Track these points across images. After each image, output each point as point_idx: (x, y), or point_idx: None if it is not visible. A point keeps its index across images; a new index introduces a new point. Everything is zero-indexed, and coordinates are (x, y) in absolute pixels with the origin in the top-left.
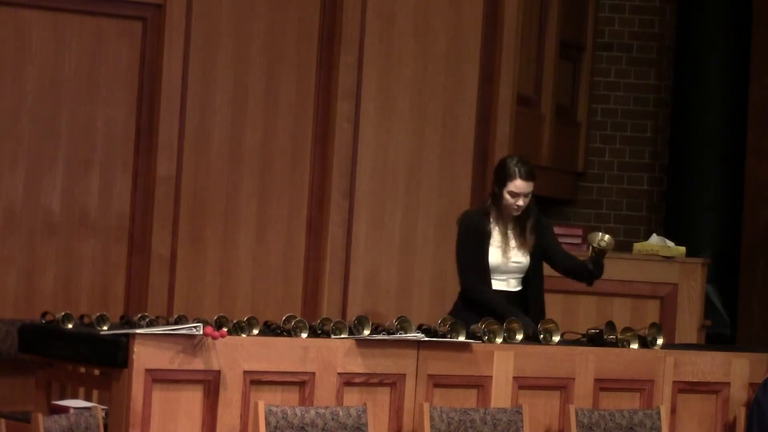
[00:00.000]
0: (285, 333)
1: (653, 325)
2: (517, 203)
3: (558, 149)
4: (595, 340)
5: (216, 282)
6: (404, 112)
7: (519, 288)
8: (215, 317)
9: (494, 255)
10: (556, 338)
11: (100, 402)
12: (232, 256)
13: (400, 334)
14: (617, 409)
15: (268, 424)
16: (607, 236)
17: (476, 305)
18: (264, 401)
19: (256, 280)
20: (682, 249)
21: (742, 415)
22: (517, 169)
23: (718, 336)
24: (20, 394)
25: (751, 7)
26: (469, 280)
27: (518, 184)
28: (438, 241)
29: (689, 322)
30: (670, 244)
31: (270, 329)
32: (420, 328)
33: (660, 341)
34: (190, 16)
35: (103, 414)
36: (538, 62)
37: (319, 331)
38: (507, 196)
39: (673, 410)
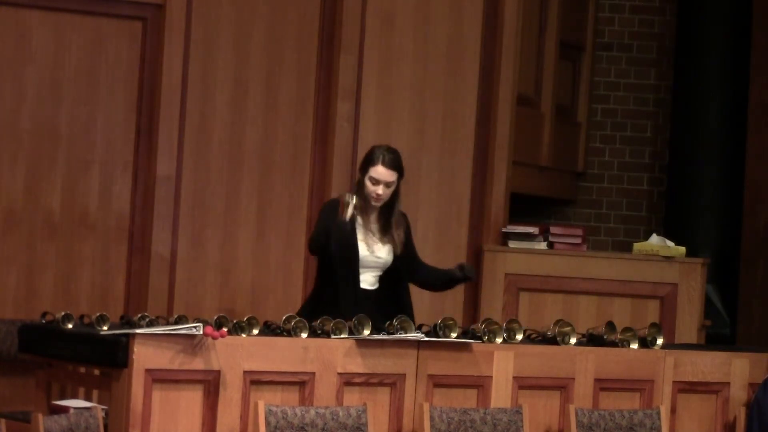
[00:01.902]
0: (285, 333)
1: (653, 325)
2: (377, 191)
3: (558, 149)
4: (595, 340)
5: (216, 282)
6: (404, 112)
7: (376, 286)
8: (215, 317)
9: (359, 247)
10: (573, 340)
11: (100, 402)
12: (232, 256)
13: (400, 334)
14: (617, 409)
15: (268, 424)
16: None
17: (318, 249)
18: (264, 401)
19: (256, 280)
20: (682, 249)
21: (742, 415)
22: (381, 156)
23: (718, 336)
24: (20, 394)
25: (751, 7)
26: (310, 239)
27: (379, 171)
28: (438, 241)
29: (689, 322)
30: (670, 244)
31: (270, 329)
32: (419, 328)
33: (660, 341)
34: (190, 16)
35: (103, 414)
36: (538, 62)
37: (319, 331)
38: (368, 183)
39: (673, 410)
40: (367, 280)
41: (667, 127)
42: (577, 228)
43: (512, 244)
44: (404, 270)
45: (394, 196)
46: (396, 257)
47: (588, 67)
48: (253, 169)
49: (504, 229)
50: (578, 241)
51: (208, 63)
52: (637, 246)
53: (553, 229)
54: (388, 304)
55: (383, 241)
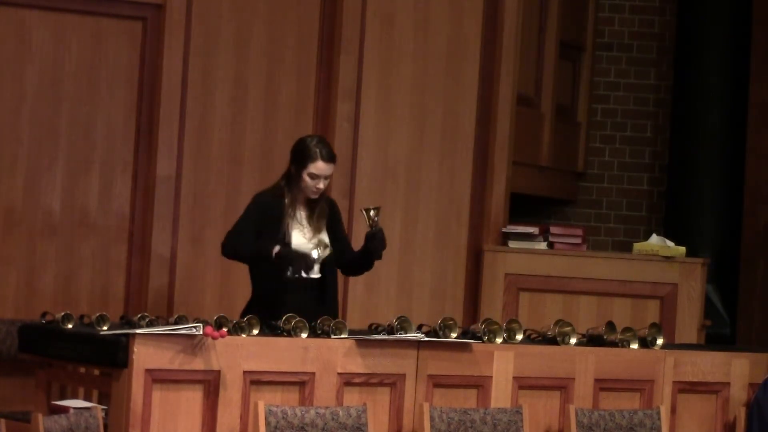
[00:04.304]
0: (285, 333)
1: (653, 325)
2: (317, 186)
3: (558, 149)
4: (595, 340)
5: (216, 282)
6: (404, 112)
7: (319, 275)
8: (215, 317)
9: (295, 239)
10: (573, 340)
11: (100, 402)
12: None
13: (400, 334)
14: (617, 409)
15: (268, 424)
16: (371, 208)
17: (233, 258)
18: (264, 401)
19: None
20: (682, 249)
21: (742, 415)
22: (318, 150)
23: (718, 336)
24: (20, 394)
25: (751, 7)
26: (229, 236)
27: (320, 166)
28: (438, 241)
29: (689, 322)
30: (670, 244)
31: (270, 329)
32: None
33: (660, 341)
34: (190, 16)
35: (103, 414)
36: (538, 62)
37: (319, 331)
38: (306, 178)
39: (673, 410)
40: (312, 270)
41: (667, 127)
42: (577, 228)
43: (512, 244)
44: (337, 256)
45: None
46: (332, 244)
47: (588, 67)
48: (253, 169)
49: (504, 229)
50: (578, 241)
51: (208, 63)
52: (637, 246)
53: (553, 229)
54: (327, 290)
55: (318, 229)
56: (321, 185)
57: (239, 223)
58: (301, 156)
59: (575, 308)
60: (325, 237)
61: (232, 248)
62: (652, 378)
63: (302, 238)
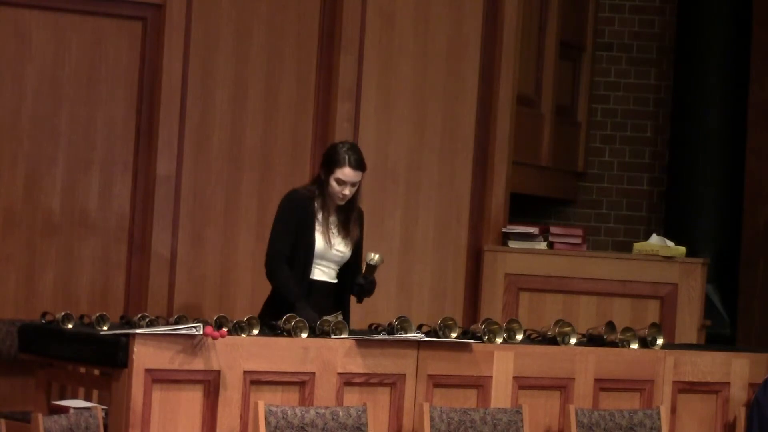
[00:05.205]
0: (285, 333)
1: (653, 325)
2: (343, 192)
3: (558, 149)
4: (595, 340)
5: (216, 282)
6: (404, 112)
7: (336, 281)
8: (215, 317)
9: (317, 241)
10: (573, 340)
11: (100, 402)
12: (232, 256)
13: (400, 334)
14: (617, 409)
15: (268, 424)
16: (377, 255)
17: (272, 283)
18: (264, 401)
19: (256, 280)
20: (682, 249)
21: (742, 415)
22: (346, 157)
23: (718, 336)
24: (20, 394)
25: (751, 7)
26: (273, 255)
27: (346, 173)
28: (438, 241)
29: (689, 322)
30: (670, 244)
31: (270, 329)
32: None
33: (660, 341)
34: (190, 16)
35: (103, 414)
36: (538, 62)
37: (319, 332)
38: (333, 183)
39: (673, 410)
40: (329, 274)
41: (667, 127)
42: (577, 228)
43: (512, 244)
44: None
45: (356, 192)
46: (353, 251)
47: (588, 67)
48: (253, 169)
49: (504, 229)
50: (578, 241)
51: (208, 63)
52: (637, 246)
53: (553, 229)
54: (344, 297)
55: (343, 236)
56: (347, 191)
57: (277, 232)
58: (329, 161)
59: (575, 308)
60: (346, 248)
61: (274, 278)
62: (652, 378)
63: (324, 243)
